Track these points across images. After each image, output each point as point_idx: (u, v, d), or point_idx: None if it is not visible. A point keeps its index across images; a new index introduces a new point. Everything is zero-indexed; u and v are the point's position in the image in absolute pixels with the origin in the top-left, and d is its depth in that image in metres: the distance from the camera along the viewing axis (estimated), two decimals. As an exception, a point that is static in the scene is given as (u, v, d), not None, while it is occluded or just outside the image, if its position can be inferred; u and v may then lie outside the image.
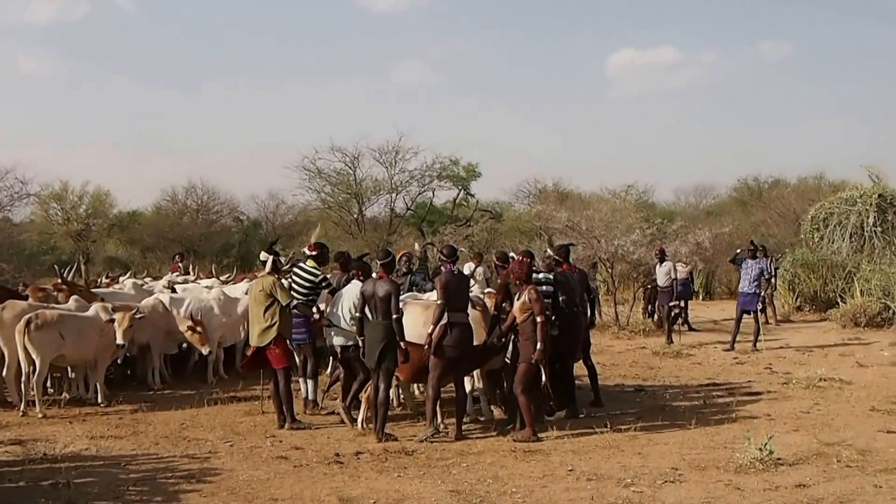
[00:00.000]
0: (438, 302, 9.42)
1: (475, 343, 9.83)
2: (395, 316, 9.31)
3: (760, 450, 8.13)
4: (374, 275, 9.82)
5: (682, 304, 19.24)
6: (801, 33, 70.99)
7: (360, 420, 9.90)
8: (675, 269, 18.19)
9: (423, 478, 7.93)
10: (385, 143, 35.65)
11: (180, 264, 18.94)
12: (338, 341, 10.06)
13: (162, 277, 16.89)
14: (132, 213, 37.92)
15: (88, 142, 64.20)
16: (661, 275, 18.12)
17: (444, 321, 9.36)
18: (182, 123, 66.01)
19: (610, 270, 20.29)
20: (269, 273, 10.11)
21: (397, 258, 12.10)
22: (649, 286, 19.85)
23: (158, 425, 10.16)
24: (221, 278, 16.67)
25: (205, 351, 12.70)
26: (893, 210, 24.61)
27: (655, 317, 19.62)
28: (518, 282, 9.60)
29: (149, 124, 63.77)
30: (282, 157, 78.88)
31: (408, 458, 8.63)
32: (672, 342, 17.18)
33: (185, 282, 15.76)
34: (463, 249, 16.77)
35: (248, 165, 62.77)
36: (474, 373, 10.23)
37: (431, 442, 9.19)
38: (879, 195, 24.71)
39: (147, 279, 16.33)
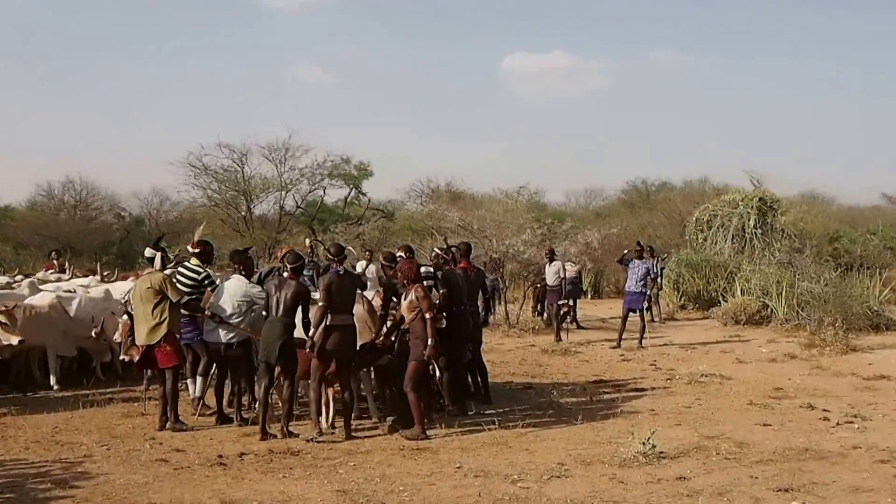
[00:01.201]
0: (320, 304, 9.32)
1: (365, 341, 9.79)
2: (305, 319, 9.37)
3: (644, 444, 8.24)
4: (284, 274, 9.74)
5: (571, 302, 19.45)
6: (691, 43, 73.22)
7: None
8: (565, 269, 18.40)
9: (308, 478, 7.80)
10: (275, 140, 35.25)
11: (55, 262, 18.29)
12: (223, 337, 9.89)
13: (35, 275, 16.22)
14: (4, 208, 36.56)
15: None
16: (551, 274, 18.30)
17: (326, 323, 9.28)
18: (62, 116, 63.96)
19: (501, 270, 20.39)
20: (158, 269, 9.89)
21: (279, 255, 11.92)
22: (539, 285, 20.05)
23: (29, 429, 9.71)
24: (102, 275, 16.14)
25: (105, 359, 12.31)
26: (773, 213, 25.47)
27: (545, 315, 19.83)
28: (405, 281, 9.56)
29: (25, 117, 61.60)
30: (167, 152, 77.12)
31: (294, 459, 8.47)
32: (561, 340, 17.36)
33: (59, 280, 15.23)
34: (352, 249, 16.58)
35: (131, 161, 61.22)
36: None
37: (318, 442, 9.05)
38: (760, 199, 25.54)
39: (18, 277, 15.61)
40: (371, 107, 71.62)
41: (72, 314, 12.39)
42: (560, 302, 18.18)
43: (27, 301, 12.09)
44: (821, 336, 16.15)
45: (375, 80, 73.37)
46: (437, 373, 10.16)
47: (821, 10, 72.50)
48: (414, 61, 72.24)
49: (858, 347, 15.64)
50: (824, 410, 10.55)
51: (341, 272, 9.60)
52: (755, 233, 24.87)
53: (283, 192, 35.79)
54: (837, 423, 9.91)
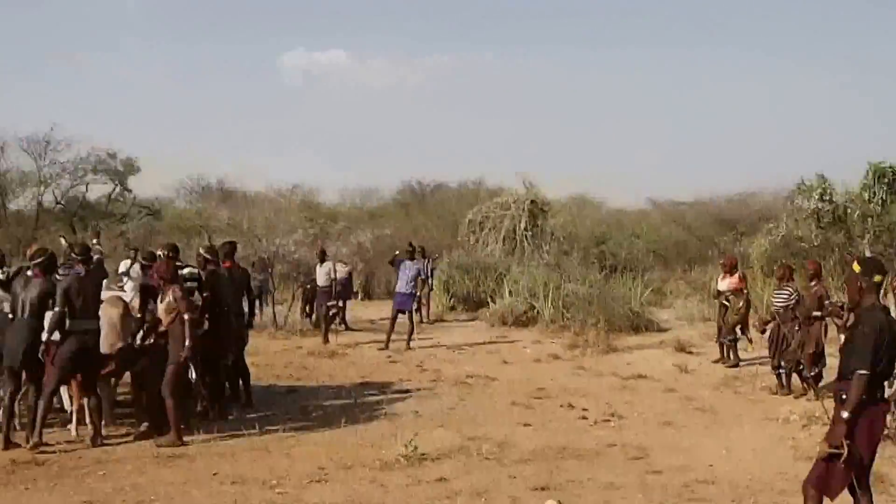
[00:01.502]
0: (57, 308, 8.82)
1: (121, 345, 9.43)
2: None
3: (406, 446, 8.31)
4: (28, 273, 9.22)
5: (341, 303, 19.30)
6: (467, 42, 74.97)
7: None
8: (335, 270, 18.26)
9: (53, 490, 7.44)
10: (34, 132, 33.23)
11: None
12: None
13: None
14: None
15: None
16: (322, 275, 18.17)
17: (66, 328, 8.81)
18: None
19: (270, 270, 20.02)
20: None
21: (28, 254, 11.22)
22: (308, 286, 19.80)
23: None
24: None
25: None
26: (544, 215, 26.37)
27: (313, 317, 19.57)
28: (162, 282, 9.22)
29: None
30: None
31: (38, 469, 8.04)
32: (328, 342, 17.16)
33: None
34: (99, 247, 15.81)
35: None
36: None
37: (66, 451, 8.63)
38: (532, 201, 26.40)
39: None
40: (143, 102, 69.14)
41: None
42: (330, 303, 18.03)
43: None
44: (584, 337, 16.78)
45: (147, 73, 70.83)
46: (195, 375, 9.82)
47: (600, 9, 75.92)
48: (188, 55, 70.32)
49: (619, 348, 16.31)
50: (583, 410, 10.94)
51: (82, 273, 9.15)
52: (526, 235, 25.64)
53: (42, 187, 33.95)
54: (595, 422, 10.31)
